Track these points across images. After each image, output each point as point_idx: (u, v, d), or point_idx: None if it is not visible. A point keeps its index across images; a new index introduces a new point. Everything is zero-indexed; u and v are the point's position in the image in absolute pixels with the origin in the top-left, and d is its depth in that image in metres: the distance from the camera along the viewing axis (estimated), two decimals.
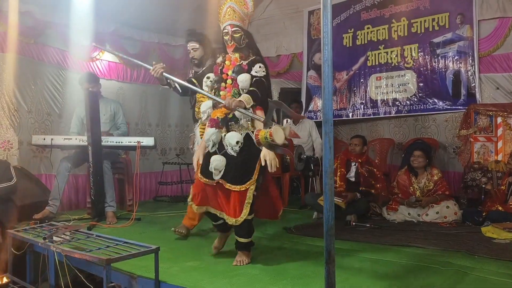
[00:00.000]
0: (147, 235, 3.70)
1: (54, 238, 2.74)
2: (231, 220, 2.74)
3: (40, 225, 3.44)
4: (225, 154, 2.79)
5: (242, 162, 2.76)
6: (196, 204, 2.87)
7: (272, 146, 2.48)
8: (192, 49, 3.75)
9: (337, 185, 4.33)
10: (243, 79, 2.75)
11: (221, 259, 2.92)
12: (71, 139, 4.25)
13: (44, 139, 4.16)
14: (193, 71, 3.87)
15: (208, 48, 3.78)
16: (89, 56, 5.42)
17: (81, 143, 4.16)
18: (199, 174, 2.87)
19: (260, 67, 2.82)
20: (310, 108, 6.48)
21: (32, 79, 4.92)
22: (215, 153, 2.82)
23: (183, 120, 6.54)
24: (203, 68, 3.51)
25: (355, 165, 4.48)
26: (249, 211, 2.77)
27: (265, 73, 2.83)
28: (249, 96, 2.65)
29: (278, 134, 2.41)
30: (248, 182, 2.73)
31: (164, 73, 2.86)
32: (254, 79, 2.77)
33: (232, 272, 2.65)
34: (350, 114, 6.06)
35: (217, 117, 2.83)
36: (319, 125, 5.29)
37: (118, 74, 5.85)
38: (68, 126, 4.75)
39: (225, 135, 2.81)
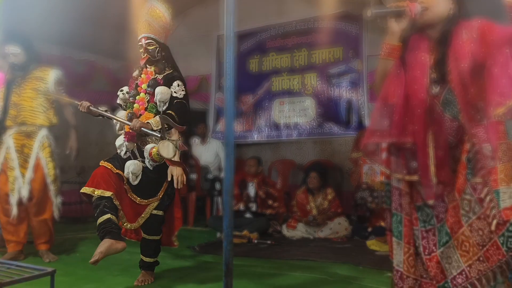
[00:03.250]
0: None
1: None
2: (126, 224, 2.73)
3: None
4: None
5: (152, 179, 2.74)
6: (103, 189, 2.56)
7: (170, 161, 2.59)
8: (12, 54, 3.39)
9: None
10: (161, 91, 2.71)
11: (122, 280, 2.88)
12: None
13: None
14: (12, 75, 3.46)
15: (33, 53, 3.52)
16: None
17: None
18: (104, 162, 2.68)
19: (178, 85, 2.77)
20: (217, 129, 6.63)
21: None
22: (129, 159, 2.73)
23: (86, 139, 6.28)
24: (28, 74, 3.42)
25: (252, 185, 4.74)
26: (158, 231, 2.80)
27: (185, 93, 2.80)
28: (159, 120, 2.63)
29: (164, 149, 2.53)
30: (151, 199, 2.76)
31: (90, 107, 2.79)
32: (175, 100, 2.74)
33: None
34: (255, 136, 6.33)
35: None
36: None
37: None
38: None
39: (141, 144, 2.74)
